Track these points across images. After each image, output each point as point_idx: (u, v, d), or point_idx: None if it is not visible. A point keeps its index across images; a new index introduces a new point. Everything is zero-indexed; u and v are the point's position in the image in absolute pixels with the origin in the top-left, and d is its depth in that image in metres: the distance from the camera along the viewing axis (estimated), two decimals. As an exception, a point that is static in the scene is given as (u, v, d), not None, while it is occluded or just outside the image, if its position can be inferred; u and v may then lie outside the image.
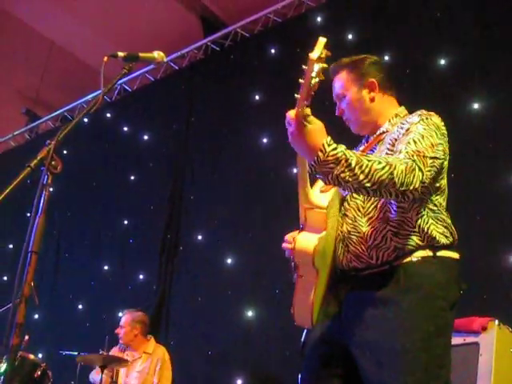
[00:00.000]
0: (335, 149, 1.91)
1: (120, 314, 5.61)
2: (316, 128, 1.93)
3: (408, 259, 2.09)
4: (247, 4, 7.00)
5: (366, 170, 1.91)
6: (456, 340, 2.87)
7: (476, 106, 4.74)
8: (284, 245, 2.20)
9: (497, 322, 3.19)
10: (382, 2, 5.70)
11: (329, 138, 1.93)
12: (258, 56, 6.65)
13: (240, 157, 6.33)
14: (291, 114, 1.95)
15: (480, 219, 4.42)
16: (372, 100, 2.39)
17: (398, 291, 2.06)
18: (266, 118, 6.17)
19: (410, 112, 2.38)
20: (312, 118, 1.95)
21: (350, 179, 1.91)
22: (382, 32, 5.55)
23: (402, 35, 5.40)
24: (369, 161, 1.93)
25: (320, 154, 1.90)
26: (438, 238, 2.12)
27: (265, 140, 6.16)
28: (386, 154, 2.19)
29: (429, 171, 2.05)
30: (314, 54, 1.88)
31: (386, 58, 5.24)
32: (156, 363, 5.20)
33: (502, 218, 4.37)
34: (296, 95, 1.91)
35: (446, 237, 2.15)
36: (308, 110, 1.93)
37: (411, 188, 1.98)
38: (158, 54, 2.31)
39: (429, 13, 5.29)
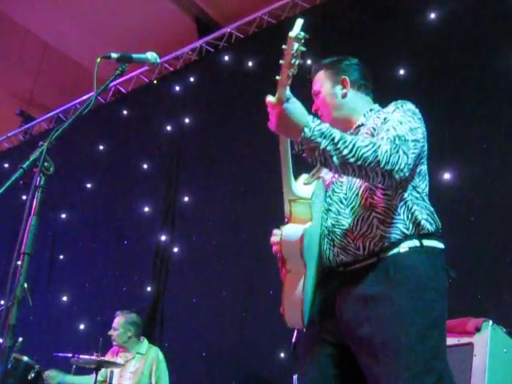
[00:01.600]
0: (320, 124, 1.97)
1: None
2: (298, 107, 1.99)
3: (395, 250, 2.10)
4: (241, 5, 7.00)
5: (350, 146, 1.96)
6: (450, 341, 2.87)
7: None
8: (272, 239, 2.20)
9: (491, 322, 3.19)
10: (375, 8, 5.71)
11: (311, 116, 1.99)
12: (252, 57, 6.65)
13: (235, 158, 6.33)
14: (271, 98, 2.00)
15: (474, 220, 4.44)
16: (344, 96, 2.43)
17: (388, 285, 2.06)
18: (260, 119, 6.16)
19: None
20: (292, 99, 1.99)
21: (333, 152, 1.95)
22: (372, 32, 5.56)
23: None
24: (352, 138, 1.99)
25: (306, 129, 1.95)
26: (423, 223, 2.14)
27: (259, 140, 6.15)
28: None
29: (413, 153, 2.09)
30: (292, 33, 1.92)
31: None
32: (151, 364, 5.19)
33: (495, 218, 4.39)
34: (277, 77, 1.95)
35: (430, 223, 2.16)
36: (288, 91, 1.97)
37: (396, 168, 2.00)
38: (151, 56, 2.31)
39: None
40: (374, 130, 2.23)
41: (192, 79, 7.21)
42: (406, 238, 2.11)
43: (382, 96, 2.53)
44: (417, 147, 2.13)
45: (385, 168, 1.98)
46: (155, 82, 7.74)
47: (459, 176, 4.66)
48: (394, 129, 2.11)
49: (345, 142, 1.96)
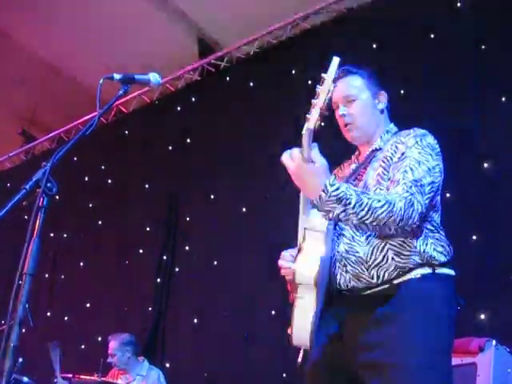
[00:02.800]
0: (337, 189, 1.96)
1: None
2: (319, 168, 1.98)
3: (408, 276, 2.10)
4: (243, 25, 7.04)
5: (366, 208, 1.98)
6: (453, 361, 2.84)
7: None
8: (281, 262, 2.20)
9: (494, 342, 3.18)
10: (373, 30, 5.74)
11: (332, 177, 2.00)
12: (253, 77, 6.68)
13: (236, 178, 6.33)
14: (287, 157, 2.00)
15: (476, 239, 4.43)
16: (381, 112, 2.41)
17: (400, 307, 2.06)
18: (261, 140, 6.19)
19: (400, 128, 2.40)
20: (316, 156, 1.98)
21: (351, 216, 1.99)
22: (373, 57, 5.59)
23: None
24: (369, 199, 1.99)
25: (322, 194, 1.95)
26: (437, 257, 2.14)
27: (262, 161, 6.17)
28: (380, 175, 2.20)
29: (427, 198, 2.10)
30: (330, 75, 1.89)
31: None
32: (151, 386, 5.16)
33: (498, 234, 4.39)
34: (307, 115, 1.92)
35: (445, 255, 2.16)
36: (315, 150, 1.97)
37: (410, 222, 2.04)
38: (153, 77, 2.32)
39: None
40: (390, 161, 2.21)
41: (193, 99, 7.24)
42: (419, 266, 2.12)
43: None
44: (433, 189, 2.14)
45: (399, 224, 2.03)
46: (157, 102, 7.77)
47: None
48: (412, 171, 2.11)
49: (361, 204, 1.98)
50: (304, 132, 1.94)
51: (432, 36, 5.24)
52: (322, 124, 1.97)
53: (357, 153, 2.48)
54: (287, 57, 6.42)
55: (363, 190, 2.11)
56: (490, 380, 3.07)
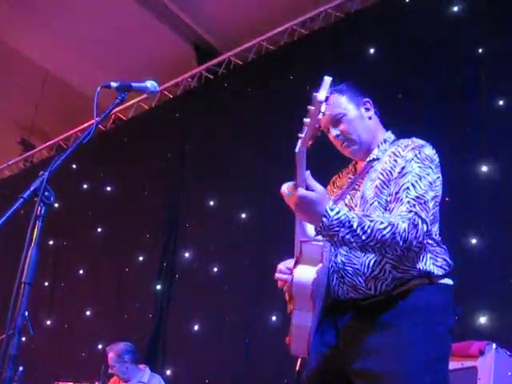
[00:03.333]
0: (338, 213, 1.95)
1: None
2: (318, 196, 1.95)
3: (406, 287, 2.10)
4: (240, 32, 7.06)
5: (369, 231, 1.96)
6: (454, 365, 2.85)
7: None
8: (277, 275, 2.20)
9: (494, 345, 3.17)
10: (371, 35, 5.75)
11: (330, 202, 1.98)
12: (251, 84, 6.69)
13: (236, 185, 6.34)
14: (286, 189, 1.99)
15: (476, 242, 4.43)
16: (370, 118, 2.37)
17: (396, 316, 2.06)
18: (260, 146, 6.20)
19: (397, 136, 2.38)
20: (313, 183, 1.97)
21: (353, 239, 1.96)
22: (370, 62, 5.60)
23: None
24: (371, 221, 1.97)
25: (324, 219, 1.93)
26: (435, 271, 2.13)
27: (261, 168, 6.17)
28: (378, 188, 2.18)
29: (432, 214, 2.09)
30: (321, 95, 1.86)
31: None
32: (153, 393, 5.16)
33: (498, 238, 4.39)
34: (299, 134, 1.89)
35: (444, 269, 2.15)
36: (308, 174, 1.95)
37: (415, 243, 2.02)
38: (150, 84, 2.31)
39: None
40: (390, 175, 2.18)
41: (192, 106, 7.25)
42: (417, 277, 2.11)
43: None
44: (436, 203, 2.13)
45: (403, 246, 2.00)
46: (155, 109, 7.78)
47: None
48: (414, 187, 2.08)
49: (363, 227, 1.96)
50: (297, 151, 1.91)
51: (430, 39, 5.24)
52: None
53: (354, 162, 2.47)
54: (285, 63, 6.43)
55: (365, 213, 2.10)
56: (490, 383, 3.07)
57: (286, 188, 2.00)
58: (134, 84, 2.25)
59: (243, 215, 6.16)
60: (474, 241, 4.44)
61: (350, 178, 2.39)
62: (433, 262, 2.13)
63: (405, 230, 1.98)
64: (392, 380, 1.98)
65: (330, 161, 2.23)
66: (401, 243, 1.98)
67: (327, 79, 1.91)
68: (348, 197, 2.29)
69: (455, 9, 5.23)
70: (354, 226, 1.95)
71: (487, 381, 3.08)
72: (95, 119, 2.07)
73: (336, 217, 1.94)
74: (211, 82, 7.31)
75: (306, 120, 1.88)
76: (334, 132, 2.35)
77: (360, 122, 2.34)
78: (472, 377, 3.13)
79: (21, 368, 4.53)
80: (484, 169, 4.58)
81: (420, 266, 2.11)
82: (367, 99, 2.39)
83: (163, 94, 7.65)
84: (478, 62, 4.88)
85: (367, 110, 2.38)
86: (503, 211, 4.38)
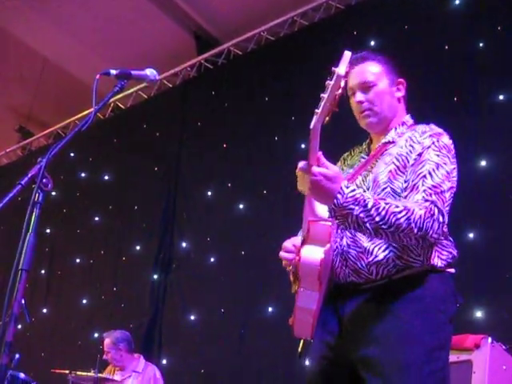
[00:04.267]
0: (353, 190, 1.92)
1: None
2: (332, 173, 1.91)
3: (407, 273, 2.07)
4: (240, 22, 7.03)
5: (383, 213, 1.92)
6: (449, 358, 2.86)
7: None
8: (283, 254, 2.18)
9: (490, 339, 3.18)
10: (372, 26, 5.73)
11: (345, 181, 1.94)
12: (250, 74, 6.67)
13: (234, 175, 6.33)
14: (303, 165, 1.94)
15: (474, 237, 4.43)
16: (399, 100, 2.33)
17: (397, 302, 2.05)
18: (259, 137, 6.19)
19: (416, 121, 2.33)
20: (327, 163, 1.93)
21: (367, 219, 1.92)
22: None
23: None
24: (386, 204, 1.94)
25: (339, 196, 1.90)
26: (439, 264, 2.11)
27: (258, 158, 6.17)
28: (392, 173, 2.14)
29: (448, 205, 2.05)
30: (341, 69, 1.82)
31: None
32: (148, 382, 5.15)
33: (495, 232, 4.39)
34: (316, 109, 1.84)
35: (448, 262, 2.13)
36: (320, 155, 1.90)
37: (431, 232, 1.97)
38: (150, 72, 2.29)
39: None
40: (406, 161, 2.14)
41: (191, 96, 7.23)
42: (420, 266, 2.09)
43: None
44: (452, 194, 2.09)
45: (418, 234, 1.96)
46: (154, 98, 7.76)
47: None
48: (431, 175, 2.04)
49: (378, 208, 1.92)
50: (312, 127, 1.86)
51: (430, 32, 5.23)
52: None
53: (368, 141, 2.41)
54: (285, 53, 6.42)
55: (381, 196, 2.06)
56: (485, 377, 3.07)
57: (300, 167, 1.95)
58: (133, 72, 2.23)
59: (241, 205, 6.16)
60: (471, 235, 4.45)
61: (363, 158, 2.33)
62: (438, 255, 2.11)
63: (420, 216, 1.94)
64: (392, 368, 1.98)
65: (344, 138, 2.17)
66: (415, 231, 1.94)
67: (347, 54, 1.86)
68: (360, 178, 2.23)
69: (457, 1, 5.22)
70: (369, 206, 1.91)
71: (482, 374, 3.08)
72: (94, 107, 2.06)
73: (351, 194, 1.91)
74: (211, 71, 7.29)
75: (324, 95, 1.83)
76: (359, 97, 2.28)
77: (388, 98, 2.28)
78: (467, 370, 3.13)
79: (17, 355, 4.53)
80: (483, 163, 4.58)
81: (424, 258, 2.08)
82: (402, 80, 2.34)
83: (162, 84, 7.63)
84: (478, 56, 4.87)
85: (398, 90, 2.33)
86: (501, 206, 4.38)
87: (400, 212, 1.93)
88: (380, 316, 2.05)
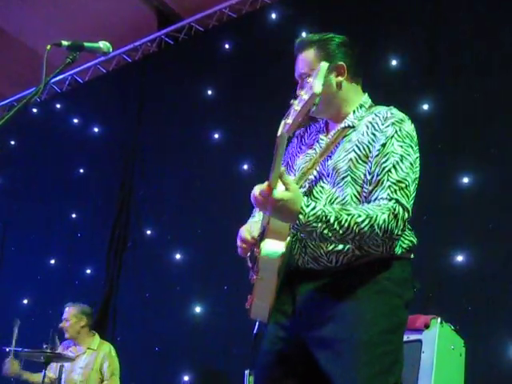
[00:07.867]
0: (314, 208, 1.89)
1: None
2: (293, 195, 1.87)
3: (366, 259, 2.08)
4: (202, -2, 6.95)
5: (346, 225, 1.91)
6: (400, 338, 2.91)
7: (425, 107, 4.81)
8: (240, 244, 2.17)
9: (439, 319, 3.24)
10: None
11: (305, 198, 1.92)
12: (211, 51, 6.61)
13: (190, 152, 6.29)
14: (258, 189, 1.88)
15: (427, 219, 4.48)
16: (338, 86, 2.21)
17: (354, 285, 2.05)
18: (218, 114, 6.16)
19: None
20: (287, 179, 1.87)
21: (331, 234, 1.91)
22: (336, 29, 5.56)
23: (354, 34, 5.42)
24: (348, 215, 1.92)
25: (301, 216, 1.88)
26: (399, 252, 2.12)
27: (216, 136, 6.15)
28: (352, 161, 2.10)
29: (412, 198, 2.04)
30: (317, 87, 1.73)
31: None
32: (102, 359, 5.13)
33: (448, 217, 4.46)
34: (286, 120, 1.77)
35: (407, 250, 2.15)
36: (283, 170, 1.84)
37: (396, 232, 1.98)
38: (103, 45, 2.24)
39: (379, 13, 5.34)
40: (367, 150, 2.10)
41: (150, 71, 7.13)
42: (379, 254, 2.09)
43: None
44: (416, 185, 2.08)
45: (384, 236, 1.97)
46: (113, 73, 7.63)
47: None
48: (396, 169, 2.02)
49: (340, 221, 1.90)
50: (279, 135, 1.78)
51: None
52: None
53: (324, 122, 2.33)
54: (246, 31, 6.37)
55: (342, 207, 2.01)
56: (433, 356, 3.14)
57: (258, 191, 1.89)
58: (86, 44, 2.19)
59: (198, 183, 6.12)
60: (425, 217, 4.50)
61: (321, 140, 2.28)
62: (400, 244, 2.12)
63: (384, 220, 1.94)
64: (346, 348, 1.99)
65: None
66: (381, 234, 1.94)
67: (324, 65, 1.79)
68: (319, 164, 2.19)
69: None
70: (331, 221, 1.90)
71: (431, 354, 3.15)
72: (43, 78, 2.01)
73: (312, 213, 1.88)
74: (171, 47, 7.20)
75: (297, 107, 1.78)
76: (298, 90, 2.22)
77: (325, 89, 1.96)
78: (416, 350, 3.20)
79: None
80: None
81: (385, 248, 2.08)
82: (340, 63, 2.21)
83: (121, 58, 7.52)
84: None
85: (339, 74, 2.22)
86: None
87: (363, 221, 1.92)
88: (336, 297, 2.06)
